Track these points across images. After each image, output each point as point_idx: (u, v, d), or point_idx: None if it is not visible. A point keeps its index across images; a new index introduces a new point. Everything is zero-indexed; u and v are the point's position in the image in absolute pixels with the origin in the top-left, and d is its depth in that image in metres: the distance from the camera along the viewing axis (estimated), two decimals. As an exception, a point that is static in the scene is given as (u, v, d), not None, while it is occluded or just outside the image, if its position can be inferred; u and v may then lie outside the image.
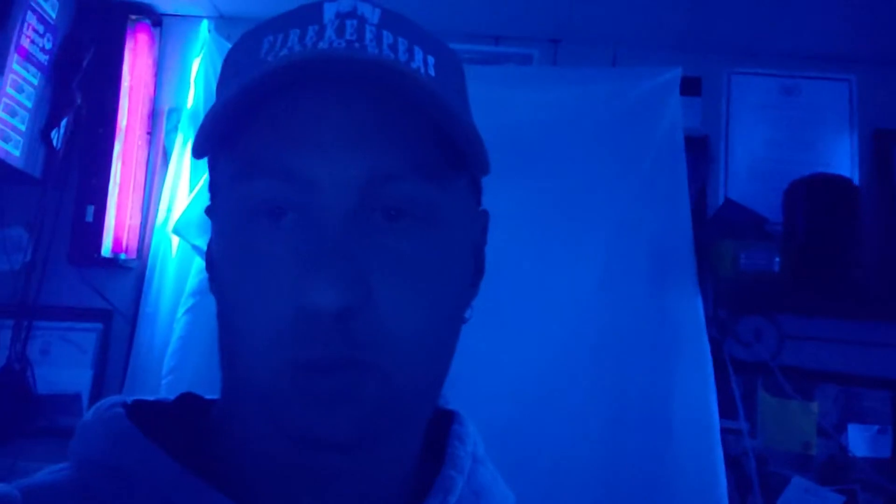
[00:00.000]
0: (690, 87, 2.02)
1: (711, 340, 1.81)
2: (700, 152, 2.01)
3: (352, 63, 0.45)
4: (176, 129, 2.10)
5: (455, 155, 0.48)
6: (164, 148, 2.13)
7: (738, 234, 1.83)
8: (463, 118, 0.47)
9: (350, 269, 0.43)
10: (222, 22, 2.20)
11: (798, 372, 1.87)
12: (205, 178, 1.86)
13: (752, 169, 2.02)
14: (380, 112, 0.46)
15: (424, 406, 0.53)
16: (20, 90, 1.90)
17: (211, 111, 0.46)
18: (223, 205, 0.50)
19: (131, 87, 2.11)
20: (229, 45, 1.91)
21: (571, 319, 1.81)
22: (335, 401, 0.44)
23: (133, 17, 2.15)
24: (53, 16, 2.01)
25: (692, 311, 1.83)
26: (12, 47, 1.87)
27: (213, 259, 0.53)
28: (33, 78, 1.96)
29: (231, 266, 0.49)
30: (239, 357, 0.48)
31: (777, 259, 1.77)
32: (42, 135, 2.00)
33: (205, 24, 2.18)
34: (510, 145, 1.77)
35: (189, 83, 2.12)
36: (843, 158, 2.00)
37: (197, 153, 0.48)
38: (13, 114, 1.89)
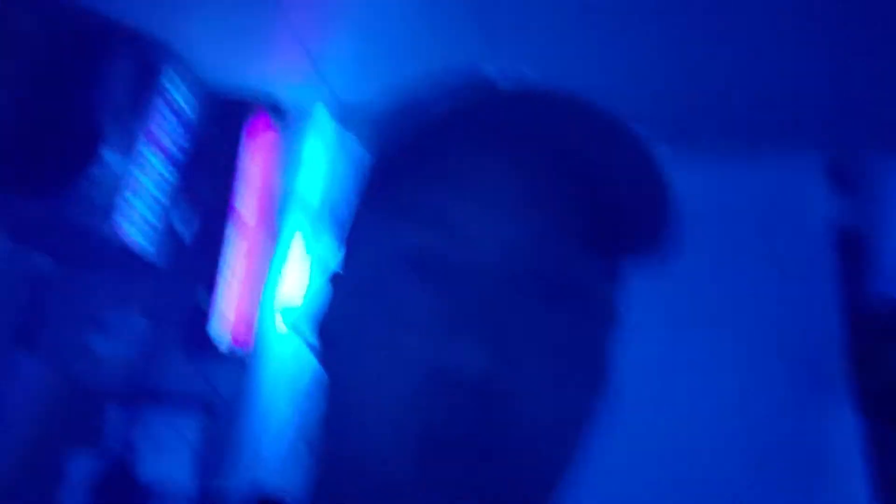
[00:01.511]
0: (841, 176, 1.86)
1: (870, 462, 1.57)
2: (853, 249, 1.82)
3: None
4: (293, 216, 2.10)
5: (631, 233, 0.45)
6: (281, 236, 2.13)
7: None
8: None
9: (498, 336, 0.40)
10: (340, 108, 2.21)
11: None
12: (323, 269, 1.84)
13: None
14: (554, 170, 0.43)
15: (555, 496, 0.46)
16: (148, 177, 1.95)
17: (377, 156, 0.45)
18: (361, 258, 0.47)
19: (251, 177, 2.14)
20: (346, 132, 1.92)
21: (705, 430, 1.63)
22: (461, 492, 0.40)
23: (257, 108, 2.20)
24: (185, 109, 2.08)
25: (845, 427, 1.61)
26: (143, 135, 1.93)
27: (332, 323, 0.48)
28: (162, 167, 2.01)
29: (360, 325, 0.45)
30: (351, 433, 0.43)
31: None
32: (166, 223, 2.03)
33: (322, 111, 2.20)
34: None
35: (308, 172, 2.13)
36: None
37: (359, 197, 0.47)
38: (140, 200, 1.93)
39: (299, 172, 2.17)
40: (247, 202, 2.12)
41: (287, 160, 2.21)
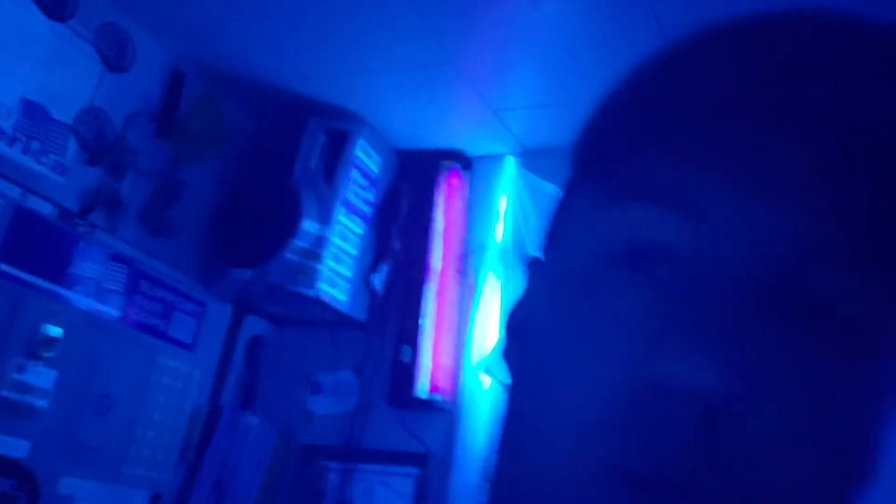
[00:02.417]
0: None
1: None
2: None
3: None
4: (488, 265, 2.10)
5: None
6: (475, 286, 2.13)
7: None
8: None
9: (740, 357, 0.29)
10: (527, 157, 2.20)
11: None
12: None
13: None
14: (856, 158, 0.31)
15: None
16: (345, 239, 2.05)
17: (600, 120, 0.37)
18: (565, 244, 0.38)
19: (444, 230, 2.17)
20: (535, 178, 1.87)
21: None
22: None
23: (445, 162, 2.24)
24: (375, 170, 2.17)
25: None
26: (339, 201, 2.03)
27: (521, 317, 0.40)
28: (357, 228, 2.10)
29: (554, 322, 0.36)
30: (532, 451, 0.34)
31: None
32: (365, 280, 2.11)
33: (511, 160, 2.20)
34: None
35: (498, 220, 2.12)
36: None
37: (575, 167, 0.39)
38: (339, 261, 2.02)
39: (493, 222, 2.17)
40: (442, 254, 2.15)
41: (479, 211, 2.22)
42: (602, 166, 0.37)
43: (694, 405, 0.29)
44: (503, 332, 0.43)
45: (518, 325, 0.41)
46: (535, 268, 0.42)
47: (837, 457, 0.33)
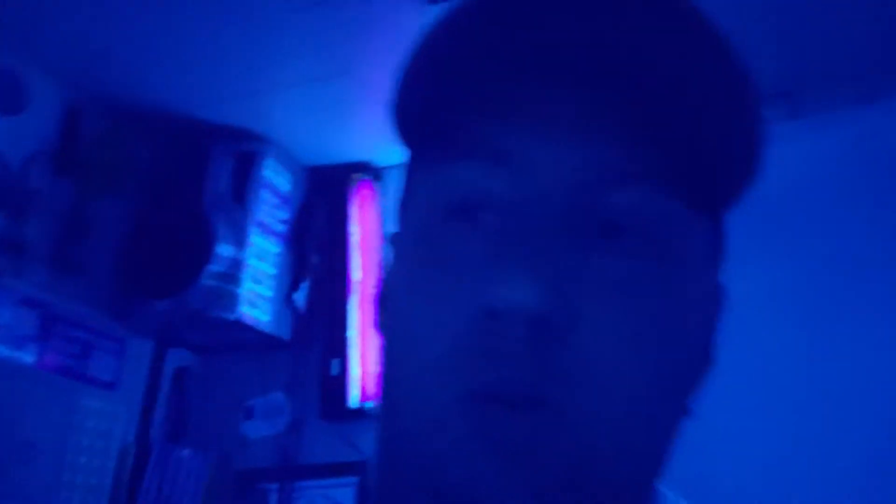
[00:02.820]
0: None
1: None
2: None
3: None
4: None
5: (706, 177, 0.38)
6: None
7: None
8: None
9: (556, 274, 0.34)
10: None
11: None
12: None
13: None
14: (622, 89, 0.36)
15: (634, 493, 0.39)
16: (263, 259, 2.04)
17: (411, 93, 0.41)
18: (411, 213, 0.43)
19: (361, 241, 2.19)
20: None
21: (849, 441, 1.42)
22: (516, 452, 0.34)
23: (355, 175, 2.26)
24: (286, 189, 2.17)
25: None
26: (252, 223, 2.03)
27: (386, 286, 0.44)
28: (274, 247, 2.10)
29: (409, 280, 0.40)
30: (401, 396, 0.38)
31: None
32: (287, 299, 2.11)
33: (419, 166, 2.24)
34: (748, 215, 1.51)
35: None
36: None
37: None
38: (259, 282, 2.02)
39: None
40: (361, 265, 2.16)
41: (391, 218, 2.25)
42: (428, 131, 0.41)
43: (519, 321, 0.33)
44: (375, 306, 0.47)
45: (383, 296, 0.45)
46: (393, 240, 0.46)
47: (658, 351, 0.37)
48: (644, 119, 0.36)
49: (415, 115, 0.41)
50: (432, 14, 1.71)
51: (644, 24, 0.35)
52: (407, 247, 0.42)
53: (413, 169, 0.44)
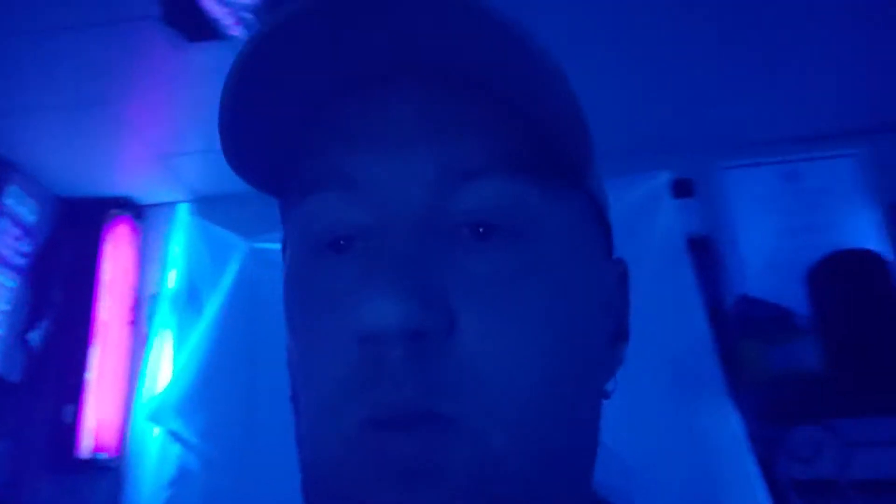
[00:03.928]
0: (683, 189, 1.89)
1: (760, 462, 1.53)
2: (705, 254, 1.84)
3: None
4: (158, 316, 2.03)
5: (563, 154, 0.37)
6: (147, 336, 2.05)
7: (764, 332, 1.61)
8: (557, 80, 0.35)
9: (422, 285, 0.33)
10: (201, 204, 2.19)
11: (874, 485, 1.56)
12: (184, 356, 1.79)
13: (769, 262, 1.83)
14: (448, 86, 0.35)
15: (557, 490, 0.36)
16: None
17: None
18: (288, 254, 0.41)
19: (111, 281, 2.08)
20: (208, 225, 1.85)
21: None
22: (417, 473, 0.32)
23: (113, 211, 2.16)
24: (31, 219, 2.02)
25: (728, 427, 1.56)
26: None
27: (285, 326, 0.41)
28: (11, 281, 1.93)
29: (295, 323, 0.39)
30: (308, 433, 0.37)
31: (815, 353, 1.53)
32: (21, 338, 1.94)
33: (183, 207, 2.18)
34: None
35: (171, 269, 2.08)
36: (864, 235, 1.80)
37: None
38: (-13, 320, 1.84)
39: (166, 270, 2.12)
40: (110, 306, 2.04)
41: (151, 260, 2.16)
42: (276, 170, 0.40)
43: (394, 341, 0.32)
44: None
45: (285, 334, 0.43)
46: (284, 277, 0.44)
47: (552, 342, 0.36)
48: (470, 113, 0.36)
49: (254, 155, 0.39)
50: (192, 52, 1.71)
51: (444, 23, 0.34)
52: (290, 289, 0.40)
53: (283, 210, 0.42)
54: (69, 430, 1.88)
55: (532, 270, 0.36)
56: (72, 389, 1.93)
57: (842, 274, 1.56)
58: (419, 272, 0.34)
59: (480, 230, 0.36)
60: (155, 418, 1.74)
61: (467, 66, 0.35)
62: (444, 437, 0.33)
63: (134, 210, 2.18)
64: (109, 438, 1.91)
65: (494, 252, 0.36)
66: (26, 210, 2.00)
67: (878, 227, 1.81)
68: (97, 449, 1.88)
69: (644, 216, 1.79)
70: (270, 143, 0.39)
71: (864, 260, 1.57)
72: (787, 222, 1.88)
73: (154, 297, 2.10)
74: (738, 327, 1.67)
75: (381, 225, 0.36)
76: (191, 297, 2.02)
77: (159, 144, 2.00)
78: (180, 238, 2.10)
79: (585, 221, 0.41)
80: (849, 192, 1.87)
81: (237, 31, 1.59)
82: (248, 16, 1.57)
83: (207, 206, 2.17)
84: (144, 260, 2.16)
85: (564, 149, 0.37)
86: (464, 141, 0.36)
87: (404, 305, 0.32)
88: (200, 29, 1.59)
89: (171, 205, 2.20)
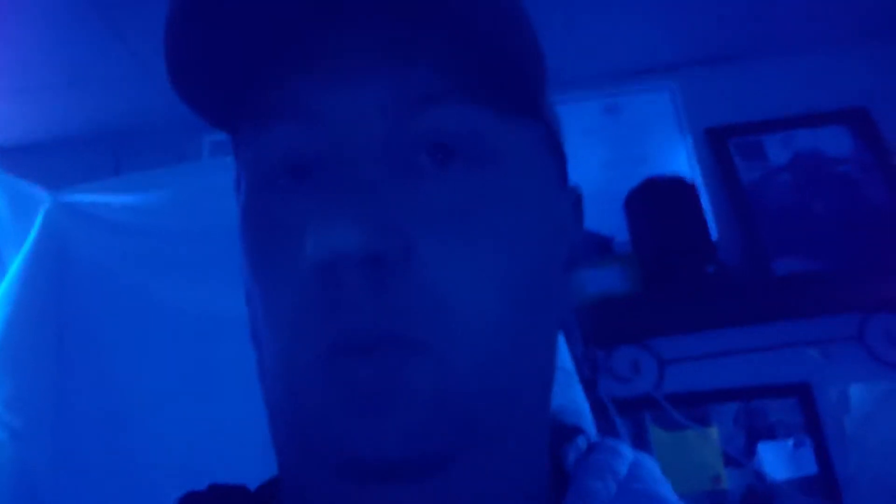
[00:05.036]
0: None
1: (584, 382, 1.58)
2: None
3: None
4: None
5: (518, 80, 0.38)
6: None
7: (586, 260, 1.65)
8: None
9: (379, 210, 0.34)
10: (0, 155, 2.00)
11: (688, 397, 1.65)
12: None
13: (591, 194, 1.87)
14: (403, 14, 0.35)
15: (518, 412, 0.38)
16: None
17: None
18: (241, 189, 0.41)
19: None
20: (7, 177, 1.65)
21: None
22: (380, 394, 0.33)
23: None
24: None
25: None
26: None
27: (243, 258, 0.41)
28: None
29: (252, 256, 0.39)
30: (270, 366, 0.38)
31: (633, 277, 1.59)
32: None
33: (-21, 160, 1.98)
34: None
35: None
36: (680, 164, 1.90)
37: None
38: None
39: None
40: None
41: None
42: (230, 101, 0.39)
43: (350, 266, 0.32)
44: None
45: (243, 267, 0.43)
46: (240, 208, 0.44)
47: (510, 266, 0.37)
48: (427, 39, 0.36)
49: (208, 85, 0.39)
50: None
51: None
52: (246, 222, 0.40)
53: (235, 144, 0.42)
54: None
55: (490, 197, 0.37)
56: None
57: (652, 199, 1.63)
58: (376, 199, 0.35)
59: (439, 156, 0.36)
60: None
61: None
62: (406, 360, 0.34)
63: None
64: None
65: (453, 179, 0.36)
66: None
67: (689, 156, 1.90)
68: None
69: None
70: (221, 72, 0.38)
71: (672, 185, 1.64)
72: (609, 154, 1.94)
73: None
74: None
75: (339, 153, 0.36)
76: (-6, 258, 1.85)
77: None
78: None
79: (542, 150, 0.42)
80: (665, 123, 1.95)
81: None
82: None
83: (6, 156, 1.98)
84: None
85: (519, 76, 0.38)
86: (420, 67, 0.36)
87: (359, 229, 0.33)
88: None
89: (-35, 158, 2.00)
